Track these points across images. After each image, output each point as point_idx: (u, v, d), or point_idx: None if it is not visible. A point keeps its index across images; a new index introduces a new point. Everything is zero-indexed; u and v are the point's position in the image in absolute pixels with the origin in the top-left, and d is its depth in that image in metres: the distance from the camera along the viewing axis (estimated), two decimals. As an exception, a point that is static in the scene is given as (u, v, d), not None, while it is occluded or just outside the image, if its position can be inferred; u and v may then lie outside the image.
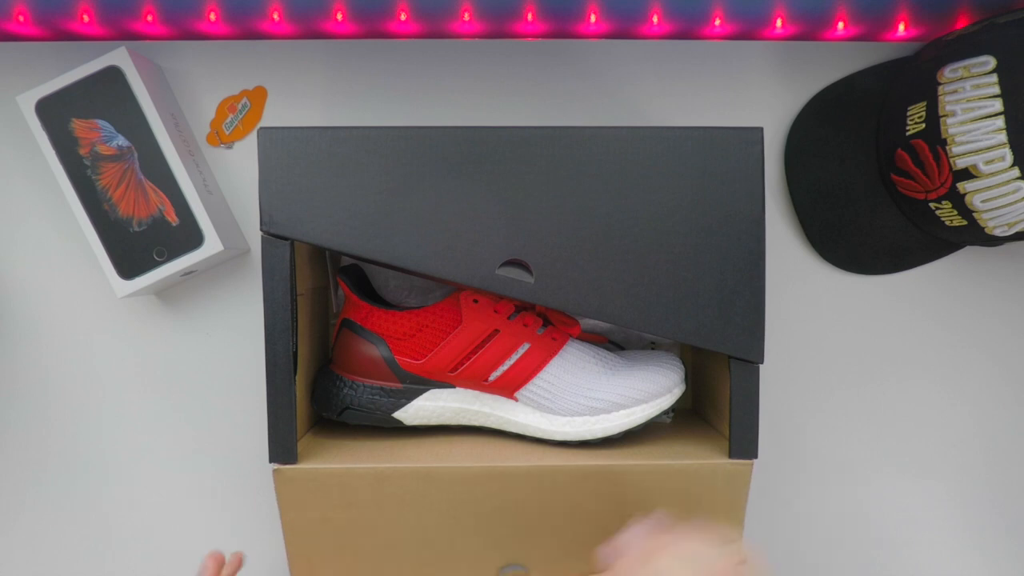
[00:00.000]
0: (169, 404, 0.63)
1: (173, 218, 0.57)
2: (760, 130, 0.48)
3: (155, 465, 0.63)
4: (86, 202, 0.57)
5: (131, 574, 0.64)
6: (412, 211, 0.48)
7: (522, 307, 0.53)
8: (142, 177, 0.57)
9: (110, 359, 0.63)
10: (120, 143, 0.56)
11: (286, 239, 0.48)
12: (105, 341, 0.62)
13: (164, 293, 0.63)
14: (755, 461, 0.50)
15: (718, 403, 0.55)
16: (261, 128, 0.48)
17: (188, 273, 0.59)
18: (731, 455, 0.50)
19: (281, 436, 0.48)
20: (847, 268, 0.62)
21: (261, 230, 0.48)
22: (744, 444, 0.50)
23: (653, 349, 0.60)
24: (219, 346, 0.63)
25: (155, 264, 0.57)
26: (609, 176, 0.48)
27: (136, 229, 0.57)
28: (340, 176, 0.48)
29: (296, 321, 0.49)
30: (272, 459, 0.48)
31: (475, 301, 0.52)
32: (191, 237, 0.57)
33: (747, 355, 0.49)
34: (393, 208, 0.48)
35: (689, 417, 0.61)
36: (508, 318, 0.52)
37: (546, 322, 0.54)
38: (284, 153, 0.48)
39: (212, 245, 0.57)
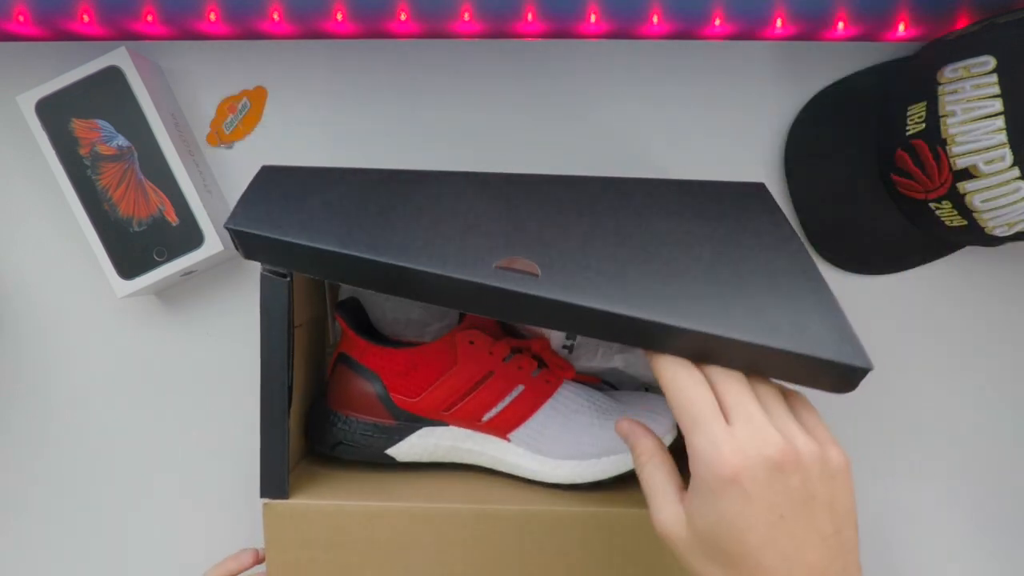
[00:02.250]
0: (169, 404, 0.63)
1: (173, 218, 0.57)
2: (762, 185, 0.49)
3: (155, 465, 0.63)
4: (86, 202, 0.57)
5: (131, 574, 0.64)
6: (399, 216, 0.45)
7: (517, 349, 0.53)
8: (142, 177, 0.57)
9: (110, 359, 0.63)
10: (120, 143, 0.56)
11: (251, 236, 0.44)
12: (105, 341, 0.62)
13: (164, 293, 0.63)
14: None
15: None
16: (264, 167, 0.48)
17: (188, 273, 0.59)
18: None
19: (273, 471, 0.48)
20: (847, 268, 0.62)
21: (225, 226, 0.44)
22: None
23: (647, 392, 0.59)
24: (219, 346, 0.63)
25: (155, 264, 0.57)
26: (626, 206, 0.47)
27: (136, 229, 0.57)
28: (327, 190, 0.47)
29: (292, 355, 0.49)
30: (263, 494, 0.48)
31: (471, 342, 0.52)
32: (191, 237, 0.57)
33: (853, 359, 0.38)
34: (384, 204, 0.45)
35: (682, 457, 0.60)
36: (503, 360, 0.52)
37: (541, 364, 0.54)
38: (274, 181, 0.48)
39: (212, 245, 0.57)
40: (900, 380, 0.63)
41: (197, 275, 0.62)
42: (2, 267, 0.62)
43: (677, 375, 0.37)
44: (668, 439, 0.53)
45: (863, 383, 0.64)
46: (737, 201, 0.48)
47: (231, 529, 0.63)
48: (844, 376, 0.38)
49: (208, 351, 0.63)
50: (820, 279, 0.42)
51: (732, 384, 0.37)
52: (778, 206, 0.48)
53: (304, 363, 0.54)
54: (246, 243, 0.44)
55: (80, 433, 0.63)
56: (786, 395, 0.39)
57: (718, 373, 0.38)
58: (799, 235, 0.45)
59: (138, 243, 0.57)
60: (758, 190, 0.48)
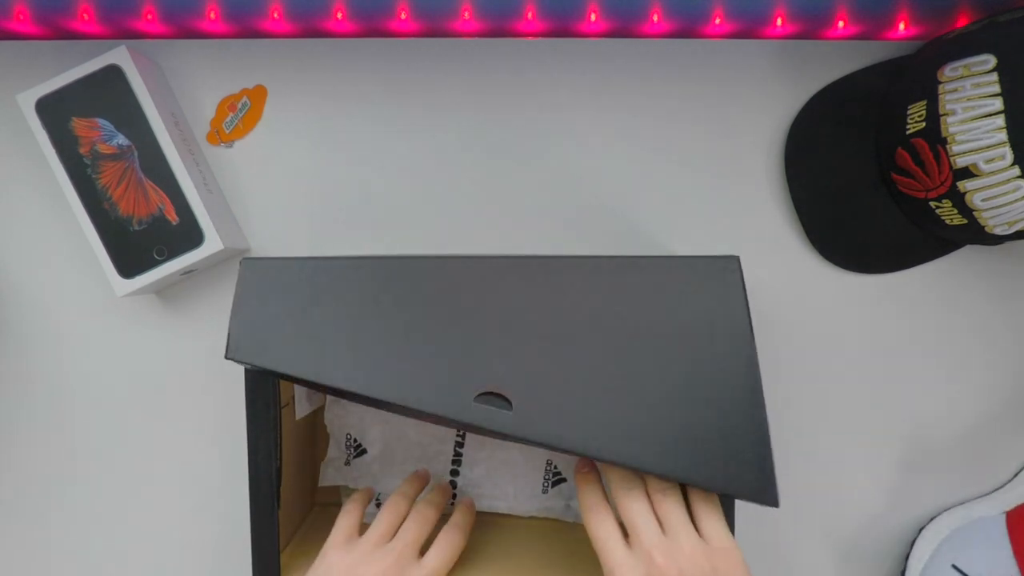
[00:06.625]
0: (168, 404, 0.63)
1: (173, 217, 0.57)
2: (736, 259, 0.47)
3: (153, 464, 0.63)
4: (86, 201, 0.57)
5: (131, 574, 0.64)
6: (386, 341, 0.46)
7: None
8: (142, 176, 0.57)
9: (110, 358, 0.63)
10: (120, 142, 0.56)
11: (252, 367, 0.47)
12: (105, 340, 0.62)
13: (164, 292, 0.63)
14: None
15: None
16: (244, 259, 0.48)
17: (188, 272, 0.59)
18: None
19: (264, 559, 0.49)
20: (847, 268, 0.62)
21: (226, 357, 0.47)
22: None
23: None
24: (219, 346, 0.62)
25: (155, 263, 0.57)
26: (589, 306, 0.47)
27: (136, 228, 0.57)
28: (315, 306, 0.47)
29: (280, 435, 0.49)
30: None
31: None
32: (191, 236, 0.57)
33: (758, 498, 0.44)
34: (366, 337, 0.47)
35: None
36: None
37: None
38: (262, 283, 0.48)
39: (212, 244, 0.57)
40: (899, 379, 0.63)
41: (197, 274, 0.62)
42: (1, 266, 0.62)
43: (590, 512, 0.46)
44: None
45: (863, 383, 0.64)
46: (701, 291, 0.47)
47: (230, 528, 0.63)
48: (757, 500, 0.45)
49: (208, 351, 0.63)
50: (760, 403, 0.45)
51: (632, 503, 0.45)
52: (743, 293, 0.47)
53: (291, 440, 0.54)
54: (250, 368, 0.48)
55: (79, 432, 0.63)
56: (694, 501, 0.45)
57: (622, 495, 0.45)
58: (754, 342, 0.46)
59: (138, 242, 0.57)
60: (726, 269, 0.47)
